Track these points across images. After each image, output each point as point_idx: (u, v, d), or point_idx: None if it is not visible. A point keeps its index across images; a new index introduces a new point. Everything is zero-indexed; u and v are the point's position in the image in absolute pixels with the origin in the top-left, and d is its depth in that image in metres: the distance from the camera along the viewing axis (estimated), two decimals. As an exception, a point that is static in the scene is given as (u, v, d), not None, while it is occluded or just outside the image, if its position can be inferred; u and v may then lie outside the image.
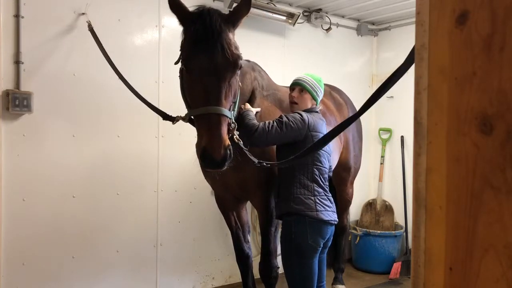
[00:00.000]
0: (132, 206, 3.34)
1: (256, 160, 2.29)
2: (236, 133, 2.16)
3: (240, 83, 2.24)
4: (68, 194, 3.06)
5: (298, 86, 2.58)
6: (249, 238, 3.07)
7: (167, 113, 2.36)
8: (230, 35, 2.08)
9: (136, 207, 3.36)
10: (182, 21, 2.10)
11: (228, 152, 1.96)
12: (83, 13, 3.01)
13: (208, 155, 1.94)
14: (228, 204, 2.95)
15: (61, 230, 3.04)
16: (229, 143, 1.99)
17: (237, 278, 3.59)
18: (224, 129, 1.98)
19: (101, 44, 2.84)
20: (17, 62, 2.80)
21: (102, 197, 3.20)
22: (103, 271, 3.23)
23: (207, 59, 1.98)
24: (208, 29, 1.98)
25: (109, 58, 2.79)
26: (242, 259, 2.97)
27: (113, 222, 3.26)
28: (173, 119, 2.25)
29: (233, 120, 2.13)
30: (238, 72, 2.12)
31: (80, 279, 3.13)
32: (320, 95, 2.62)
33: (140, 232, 3.40)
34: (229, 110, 2.06)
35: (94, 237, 3.18)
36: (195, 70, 2.02)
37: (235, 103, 2.17)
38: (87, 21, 2.94)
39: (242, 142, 2.22)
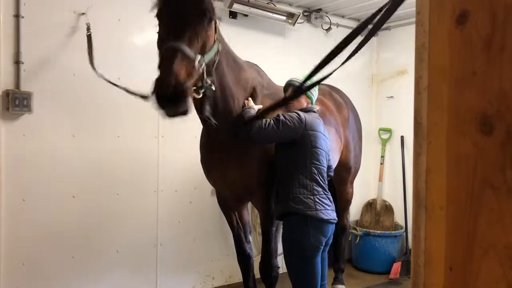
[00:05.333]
0: (132, 206, 3.34)
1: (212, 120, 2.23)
2: (208, 81, 2.01)
3: (216, 42, 2.12)
4: (68, 194, 3.06)
5: (291, 87, 2.61)
6: (250, 238, 3.07)
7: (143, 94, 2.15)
8: None
9: (136, 207, 3.36)
10: None
11: (183, 89, 1.77)
12: (83, 13, 3.01)
13: (157, 87, 1.78)
14: (229, 204, 2.95)
15: (61, 230, 3.04)
16: (184, 80, 1.80)
17: (237, 278, 3.59)
18: (179, 64, 1.81)
19: (91, 50, 2.84)
20: (17, 62, 2.80)
21: (102, 197, 3.20)
22: (103, 271, 3.23)
23: (174, 3, 1.97)
24: None
25: (93, 63, 2.79)
26: (244, 259, 2.97)
27: (113, 222, 3.26)
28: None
29: (203, 65, 1.95)
30: (209, 26, 2.04)
31: (80, 279, 3.12)
32: (315, 94, 2.66)
33: (140, 232, 3.40)
34: (195, 53, 1.91)
35: (94, 237, 3.18)
36: (163, 15, 2.00)
37: (205, 53, 2.01)
38: (86, 23, 2.93)
39: (213, 87, 2.10)
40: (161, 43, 2.00)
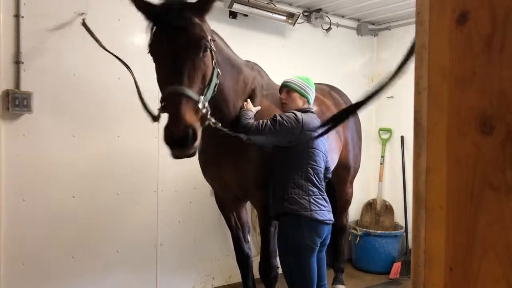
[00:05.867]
0: (132, 206, 3.34)
1: (244, 137, 2.29)
2: (211, 118, 2.06)
3: (215, 67, 2.15)
4: (68, 194, 3.06)
5: (285, 88, 2.61)
6: (249, 238, 3.07)
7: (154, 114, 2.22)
8: (195, 19, 2.03)
9: (136, 207, 3.36)
10: (148, 16, 2.06)
11: (190, 131, 1.84)
12: (83, 13, 3.01)
13: (168, 134, 1.85)
14: (228, 205, 2.95)
15: (61, 230, 3.04)
16: (193, 124, 1.87)
17: (237, 278, 3.59)
18: (185, 108, 1.88)
19: (94, 35, 2.83)
20: (17, 62, 2.81)
21: (102, 197, 3.20)
22: (103, 271, 3.23)
23: (167, 40, 1.97)
24: (168, 12, 1.97)
25: (103, 46, 2.79)
26: (242, 259, 2.98)
27: (113, 222, 3.26)
28: (157, 118, 2.14)
29: (205, 105, 2.01)
30: (205, 54, 2.04)
31: (80, 279, 3.13)
32: (310, 92, 2.62)
33: (140, 232, 3.40)
34: (198, 93, 1.98)
35: (94, 237, 3.18)
36: (158, 54, 2.02)
37: (206, 87, 2.07)
38: (82, 19, 2.94)
39: (220, 125, 2.17)
40: (161, 85, 2.03)
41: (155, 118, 2.19)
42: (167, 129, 1.86)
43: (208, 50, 2.07)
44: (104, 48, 2.81)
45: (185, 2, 2.05)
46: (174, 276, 3.59)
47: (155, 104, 2.59)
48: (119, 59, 2.75)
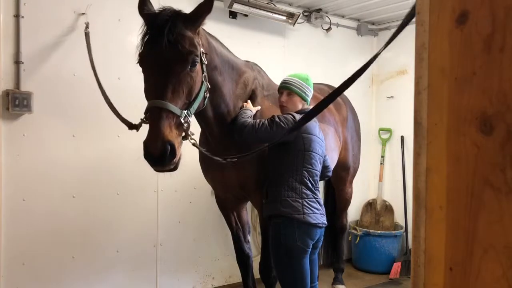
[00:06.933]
0: (132, 206, 3.34)
1: (220, 159, 2.26)
2: (191, 134, 2.05)
3: (204, 81, 2.13)
4: (68, 194, 3.06)
5: (285, 90, 2.54)
6: (249, 238, 3.07)
7: (131, 122, 2.25)
8: (187, 32, 2.01)
9: (136, 207, 3.36)
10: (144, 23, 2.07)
11: (168, 148, 1.85)
12: (83, 13, 3.01)
13: (146, 150, 1.88)
14: (228, 204, 2.95)
15: (61, 230, 3.04)
16: (171, 140, 1.88)
17: (237, 278, 3.59)
18: (165, 124, 1.89)
19: (90, 50, 2.85)
20: (17, 62, 2.80)
21: (102, 197, 3.20)
22: (103, 271, 3.23)
23: (154, 52, 1.96)
24: (157, 23, 1.97)
25: (93, 65, 2.81)
26: (243, 259, 2.98)
27: (113, 222, 3.26)
28: (137, 127, 2.15)
29: (187, 120, 2.00)
30: (193, 69, 2.02)
31: (80, 279, 3.13)
32: (310, 94, 2.58)
33: (140, 232, 3.40)
34: (181, 108, 1.96)
35: (94, 237, 3.17)
36: (145, 65, 2.01)
37: (191, 102, 2.04)
38: (85, 23, 2.94)
39: (198, 143, 2.18)
40: (146, 96, 2.03)
41: (132, 126, 2.20)
42: (145, 145, 1.88)
43: (197, 64, 2.05)
44: (92, 63, 2.81)
45: (178, 14, 2.03)
46: (174, 276, 3.59)
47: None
48: (98, 81, 2.75)
